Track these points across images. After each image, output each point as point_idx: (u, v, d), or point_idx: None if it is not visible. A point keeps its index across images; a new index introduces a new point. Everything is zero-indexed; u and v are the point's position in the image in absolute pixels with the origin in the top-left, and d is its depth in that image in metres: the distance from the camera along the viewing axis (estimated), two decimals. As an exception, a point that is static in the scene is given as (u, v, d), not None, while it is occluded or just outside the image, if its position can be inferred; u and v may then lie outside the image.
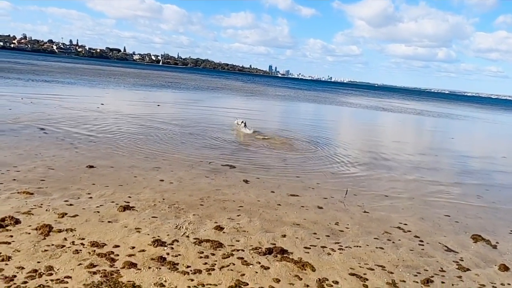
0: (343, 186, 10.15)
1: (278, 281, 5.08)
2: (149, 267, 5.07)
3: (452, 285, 5.53)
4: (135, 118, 18.63)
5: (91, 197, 7.48)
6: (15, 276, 4.54)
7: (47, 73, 49.68)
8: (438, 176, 12.83)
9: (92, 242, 5.58)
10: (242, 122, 17.77)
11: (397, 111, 47.57)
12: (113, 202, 7.31)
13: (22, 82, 33.16)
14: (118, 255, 5.31)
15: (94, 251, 5.33)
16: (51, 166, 9.31)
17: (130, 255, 5.33)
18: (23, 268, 4.73)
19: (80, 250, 5.32)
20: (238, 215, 7.35)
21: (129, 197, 7.71)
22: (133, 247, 5.58)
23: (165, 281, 4.78)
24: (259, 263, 5.52)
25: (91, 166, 9.57)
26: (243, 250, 5.87)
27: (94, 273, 4.78)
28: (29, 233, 5.67)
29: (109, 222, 6.39)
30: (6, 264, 4.77)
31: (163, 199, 7.81)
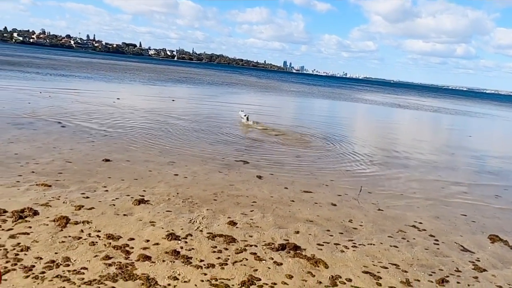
0: (357, 183, 10.07)
1: (290, 277, 5.08)
2: (163, 260, 5.13)
3: (468, 285, 5.44)
4: (150, 113, 18.81)
5: (107, 190, 7.60)
6: (33, 266, 4.65)
7: (65, 68, 50.52)
8: (455, 175, 12.61)
9: (108, 234, 5.67)
10: (245, 115, 18.63)
11: (413, 108, 46.86)
12: (128, 195, 7.41)
13: (41, 76, 33.82)
14: (133, 247, 5.39)
15: (110, 243, 5.42)
16: (69, 159, 9.48)
17: (144, 248, 5.41)
18: (41, 258, 4.84)
19: (96, 242, 5.42)
20: (251, 211, 7.37)
21: (144, 191, 7.80)
22: (148, 240, 5.65)
23: (179, 274, 4.83)
24: (272, 259, 5.53)
25: (107, 160, 9.72)
26: (256, 246, 5.88)
27: (110, 265, 4.87)
28: (47, 225, 5.80)
29: (124, 215, 6.49)
30: (25, 254, 4.89)
31: (177, 193, 7.89)
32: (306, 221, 7.14)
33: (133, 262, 5.00)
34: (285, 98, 43.01)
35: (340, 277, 5.21)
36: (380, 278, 5.32)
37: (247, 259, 5.43)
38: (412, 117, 36.15)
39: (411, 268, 5.75)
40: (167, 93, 31.85)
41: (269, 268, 5.27)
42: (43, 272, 4.55)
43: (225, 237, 6.01)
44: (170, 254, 5.30)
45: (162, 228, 6.13)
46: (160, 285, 4.55)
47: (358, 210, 8.09)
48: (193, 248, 5.57)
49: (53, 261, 4.80)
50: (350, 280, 5.18)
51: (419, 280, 5.40)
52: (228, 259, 5.37)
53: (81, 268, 4.72)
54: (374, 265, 5.70)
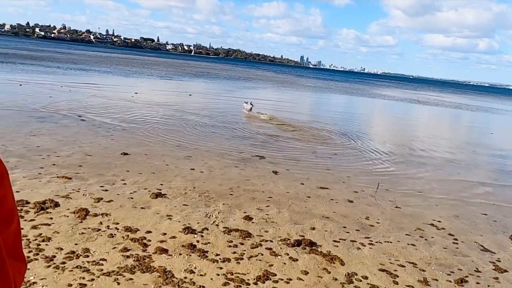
0: (375, 180, 9.95)
1: (306, 273, 5.07)
2: (180, 254, 5.19)
3: (488, 286, 5.33)
4: (167, 108, 18.99)
5: (125, 184, 7.72)
6: (54, 256, 4.78)
7: (85, 62, 51.41)
8: (476, 173, 12.32)
9: (126, 227, 5.77)
10: (250, 103, 19.36)
11: (433, 104, 45.91)
12: (145, 189, 7.52)
13: (62, 71, 34.50)
14: (150, 240, 5.47)
15: (128, 235, 5.52)
16: (88, 152, 9.67)
17: (161, 241, 5.48)
18: (62, 249, 4.96)
19: (115, 234, 5.52)
20: (267, 206, 7.37)
21: (161, 184, 7.90)
22: (165, 234, 5.72)
23: (195, 268, 4.88)
24: (288, 254, 5.53)
25: (126, 154, 9.86)
26: (271, 241, 5.89)
27: (128, 257, 4.95)
28: (68, 216, 5.94)
29: (142, 208, 6.58)
30: (47, 245, 5.02)
31: (194, 187, 7.95)
32: (322, 217, 7.11)
33: (150, 255, 5.07)
34: (301, 93, 42.74)
35: (356, 275, 5.17)
36: (397, 276, 5.26)
37: (262, 254, 5.44)
38: (432, 114, 35.43)
39: (429, 267, 5.66)
40: (184, 88, 32.06)
41: (284, 263, 5.27)
42: (64, 263, 4.66)
43: (241, 232, 6.03)
44: (186, 248, 5.36)
45: (179, 221, 6.20)
46: (176, 278, 4.61)
47: (375, 207, 7.99)
48: (209, 242, 5.61)
49: (73, 252, 4.92)
50: (366, 277, 5.13)
51: (437, 280, 5.31)
52: (244, 253, 5.39)
53: (100, 259, 4.82)
54: (391, 263, 5.64)
